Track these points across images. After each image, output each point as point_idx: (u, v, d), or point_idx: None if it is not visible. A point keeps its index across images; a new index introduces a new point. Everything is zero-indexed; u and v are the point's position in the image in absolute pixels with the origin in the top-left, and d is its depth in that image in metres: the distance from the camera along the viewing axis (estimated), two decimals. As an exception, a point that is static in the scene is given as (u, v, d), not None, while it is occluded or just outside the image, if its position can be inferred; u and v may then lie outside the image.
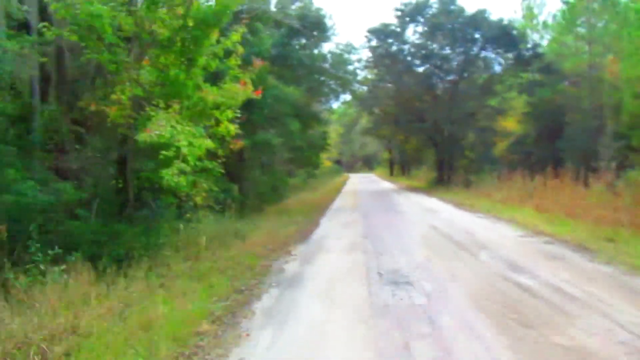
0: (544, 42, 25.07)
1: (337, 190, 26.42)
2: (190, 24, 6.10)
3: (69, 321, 3.77)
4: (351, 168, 71.26)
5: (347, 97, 25.92)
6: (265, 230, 9.92)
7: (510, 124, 27.75)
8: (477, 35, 24.67)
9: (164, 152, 5.02)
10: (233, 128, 6.97)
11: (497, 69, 26.24)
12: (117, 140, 6.32)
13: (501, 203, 13.74)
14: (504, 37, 24.04)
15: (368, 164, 74.17)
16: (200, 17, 6.04)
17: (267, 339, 4.00)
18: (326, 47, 25.43)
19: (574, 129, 20.50)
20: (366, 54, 27.57)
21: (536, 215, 10.78)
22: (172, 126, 5.24)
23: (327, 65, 16.91)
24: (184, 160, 5.41)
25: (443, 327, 4.10)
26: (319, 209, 15.36)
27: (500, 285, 5.40)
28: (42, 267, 4.30)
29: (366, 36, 25.81)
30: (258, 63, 7.52)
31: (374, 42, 26.08)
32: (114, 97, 5.55)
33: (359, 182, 36.13)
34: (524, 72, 24.97)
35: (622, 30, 18.14)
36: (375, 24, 30.30)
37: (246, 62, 7.41)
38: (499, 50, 24.78)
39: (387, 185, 31.86)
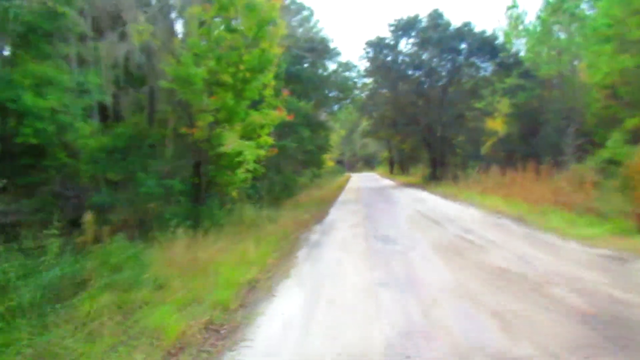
0: (524, 51, 28.00)
1: (341, 188, 29.35)
2: (243, 69, 9.03)
3: (195, 254, 6.71)
4: (353, 167, 73.91)
5: (348, 101, 28.77)
6: (288, 217, 12.81)
7: (497, 125, 30.68)
8: (462, 46, 27.55)
9: (237, 158, 7.97)
10: (270, 140, 9.93)
11: (483, 74, 29.14)
12: (193, 151, 9.24)
13: (478, 193, 16.60)
14: (487, 47, 26.97)
15: (369, 163, 76.86)
16: (250, 66, 8.97)
17: (307, 266, 6.93)
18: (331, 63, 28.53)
19: (547, 128, 23.42)
20: (364, 63, 30.54)
21: (501, 200, 13.67)
22: (239, 141, 8.18)
23: (331, 80, 19.84)
24: (244, 164, 8.37)
25: (410, 257, 7.03)
26: (327, 202, 18.29)
27: (452, 240, 8.32)
28: (172, 229, 7.21)
29: (364, 48, 28.76)
30: (286, 93, 10.47)
31: (371, 53, 29.03)
32: (199, 123, 8.47)
33: (360, 181, 39.09)
34: (507, 77, 27.81)
35: (585, 43, 21.13)
36: (372, 36, 33.12)
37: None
38: (483, 59, 27.65)
39: (386, 182, 34.82)
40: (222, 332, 4.32)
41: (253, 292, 5.66)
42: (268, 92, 9.97)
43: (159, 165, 8.95)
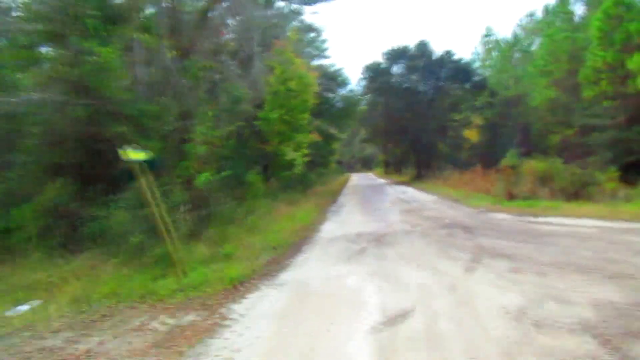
0: (492, 76, 34.79)
1: (343, 184, 36.07)
2: (293, 112, 15.71)
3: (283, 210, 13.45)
4: (352, 168, 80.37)
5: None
6: (313, 199, 19.51)
7: (472, 134, 37.54)
8: (442, 71, 34.32)
9: (295, 160, 14.67)
10: (306, 151, 16.67)
11: (460, 93, 35.89)
12: (262, 158, 15.88)
13: (444, 187, 23.32)
14: (461, 72, 33.74)
15: (367, 164, 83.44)
16: (297, 110, 15.66)
17: (333, 217, 13.65)
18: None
19: (504, 139, 30.24)
20: (363, 83, 37.33)
21: (453, 190, 20.37)
22: (292, 152, 14.93)
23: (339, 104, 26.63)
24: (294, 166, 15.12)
25: (385, 214, 13.76)
26: (335, 194, 24.97)
27: (411, 208, 15.03)
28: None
29: (362, 72, 35.55)
30: (315, 124, 17.21)
31: (368, 76, 35.78)
32: (271, 142, 15.09)
33: (359, 179, 45.85)
34: (479, 96, 34.59)
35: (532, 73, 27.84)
36: (364, 57, 39.93)
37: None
38: (459, 82, 34.42)
39: (381, 180, 41.60)
40: (310, 228, 11.06)
41: (316, 221, 12.38)
42: (306, 122, 16.70)
43: (244, 166, 15.64)
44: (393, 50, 34.82)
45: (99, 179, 8.46)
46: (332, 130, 26.64)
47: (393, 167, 56.44)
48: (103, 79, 8.56)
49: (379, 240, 9.12)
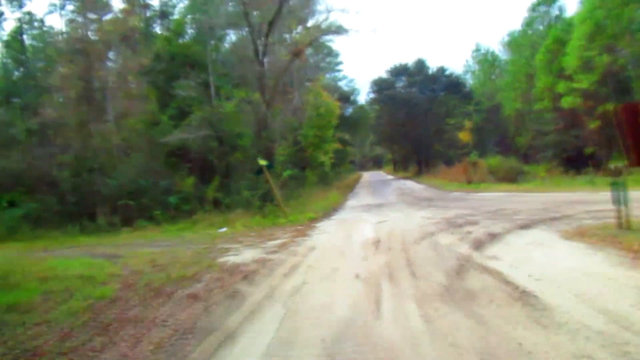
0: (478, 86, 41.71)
1: (357, 180, 43.32)
2: (322, 129, 23.06)
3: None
4: (363, 167, 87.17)
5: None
6: (335, 191, 26.81)
7: (465, 136, 44.48)
8: (437, 84, 41.34)
9: (325, 164, 22.01)
10: (331, 154, 24.06)
11: (452, 102, 42.80)
12: (301, 161, 23.16)
13: (434, 179, 30.44)
14: (453, 85, 40.73)
15: (377, 163, 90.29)
16: (325, 128, 23.01)
17: (351, 201, 20.96)
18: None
19: (488, 140, 37.20)
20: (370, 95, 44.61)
21: (439, 181, 27.50)
22: (323, 156, 22.35)
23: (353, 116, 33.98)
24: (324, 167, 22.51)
25: (387, 196, 21.04)
26: (351, 187, 32.26)
27: (404, 193, 22.26)
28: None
29: (370, 86, 42.82)
30: (337, 135, 24.61)
31: (375, 89, 42.99)
32: (308, 150, 22.33)
33: (370, 177, 53.09)
34: (468, 104, 41.50)
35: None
36: (375, 76, 47.27)
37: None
38: (451, 93, 41.39)
39: (389, 177, 48.85)
40: (339, 203, 18.41)
41: (342, 200, 19.70)
42: (330, 133, 24.05)
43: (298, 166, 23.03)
44: (395, 67, 42.03)
45: (229, 176, 15.94)
46: (347, 137, 33.97)
47: (400, 165, 63.49)
48: (228, 122, 16.04)
49: (379, 206, 16.40)
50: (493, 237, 7.90)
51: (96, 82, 16.08)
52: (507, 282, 5.10)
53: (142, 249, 10.41)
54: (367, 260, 7.12)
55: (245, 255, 8.52)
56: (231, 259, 8.20)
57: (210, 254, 8.91)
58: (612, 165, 7.64)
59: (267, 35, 16.15)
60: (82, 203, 16.67)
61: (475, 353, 3.39)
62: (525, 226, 8.74)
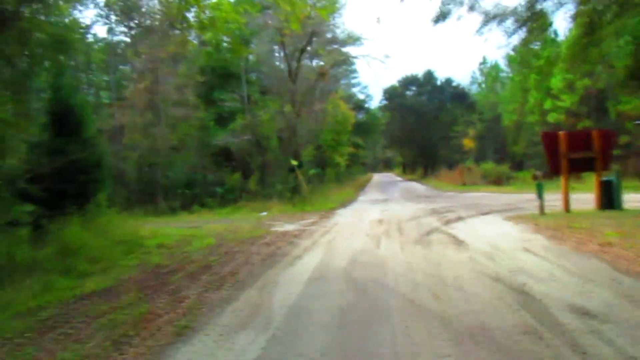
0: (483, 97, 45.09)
1: (368, 181, 47.06)
2: (339, 135, 26.85)
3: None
4: (374, 169, 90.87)
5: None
6: (348, 189, 30.57)
7: (470, 143, 47.93)
8: (444, 95, 44.85)
9: (340, 163, 25.79)
10: (346, 156, 27.85)
11: (458, 111, 46.27)
12: (321, 160, 26.92)
13: (436, 181, 34.02)
14: (459, 96, 44.22)
15: (388, 165, 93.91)
16: (342, 133, 26.79)
17: (362, 196, 24.70)
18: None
19: (490, 147, 40.63)
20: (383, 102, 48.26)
21: (440, 182, 31.09)
22: (339, 158, 26.17)
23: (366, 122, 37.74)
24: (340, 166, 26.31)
25: (392, 194, 24.76)
26: (362, 186, 35.98)
27: (408, 191, 25.94)
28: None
29: (382, 94, 46.51)
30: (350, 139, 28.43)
31: (387, 97, 46.64)
32: (327, 152, 26.06)
33: (379, 178, 56.75)
34: (472, 114, 44.97)
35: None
36: (387, 85, 50.89)
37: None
38: (456, 103, 44.89)
39: (397, 178, 52.47)
40: (352, 198, 22.20)
41: (354, 196, 23.48)
42: (345, 138, 27.84)
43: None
44: (406, 77, 45.71)
45: (264, 173, 19.84)
46: (359, 141, 37.73)
47: (409, 167, 67.01)
48: (263, 128, 19.91)
49: (385, 200, 20.12)
50: (460, 218, 11.62)
51: (159, 93, 20.01)
52: (453, 237, 8.84)
53: (208, 225, 14.28)
54: (373, 229, 10.88)
55: (288, 227, 12.34)
56: (279, 229, 12.01)
57: (263, 227, 12.73)
58: (534, 173, 11.31)
59: (298, 60, 19.99)
60: (144, 191, 20.69)
61: (423, 258, 7.13)
62: (485, 213, 12.45)
